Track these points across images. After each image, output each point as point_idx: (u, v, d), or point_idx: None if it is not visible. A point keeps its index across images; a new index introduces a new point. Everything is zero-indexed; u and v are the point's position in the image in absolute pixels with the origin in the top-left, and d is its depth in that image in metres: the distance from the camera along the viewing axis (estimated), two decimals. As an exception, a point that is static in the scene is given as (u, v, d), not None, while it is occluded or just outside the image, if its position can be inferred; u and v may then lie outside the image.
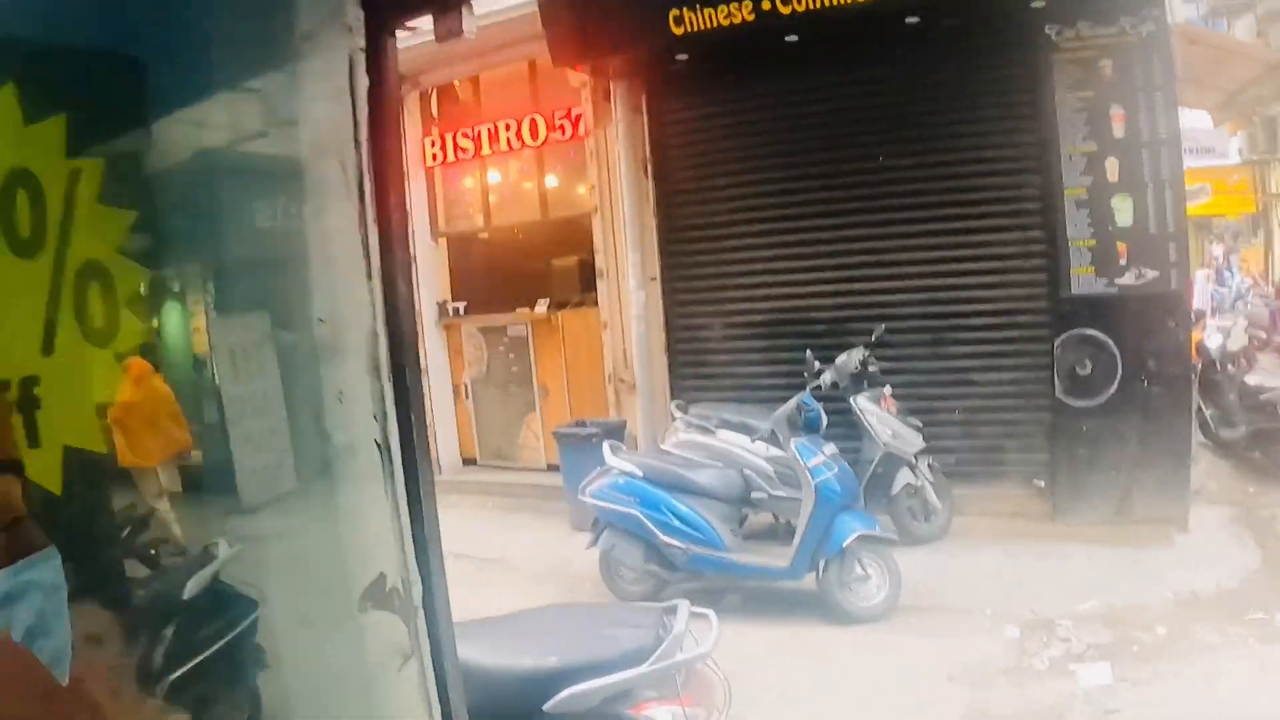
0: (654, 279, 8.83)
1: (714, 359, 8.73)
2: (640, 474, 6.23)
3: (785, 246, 8.22)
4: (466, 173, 10.76)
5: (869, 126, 7.79)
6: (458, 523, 9.34)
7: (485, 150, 9.99)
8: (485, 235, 11.59)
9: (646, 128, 8.74)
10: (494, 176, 10.58)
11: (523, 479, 9.89)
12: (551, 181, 10.15)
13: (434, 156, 10.50)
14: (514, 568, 7.71)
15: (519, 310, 10.21)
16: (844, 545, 5.57)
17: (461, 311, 10.79)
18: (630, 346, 8.95)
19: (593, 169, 9.10)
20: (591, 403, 9.50)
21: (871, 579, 5.71)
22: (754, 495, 6.52)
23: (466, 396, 10.78)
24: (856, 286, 7.95)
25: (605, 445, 6.56)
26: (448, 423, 10.90)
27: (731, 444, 6.78)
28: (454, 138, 10.22)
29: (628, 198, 8.71)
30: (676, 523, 5.90)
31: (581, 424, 8.71)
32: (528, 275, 10.87)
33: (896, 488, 6.81)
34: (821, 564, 5.70)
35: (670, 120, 8.76)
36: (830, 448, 5.92)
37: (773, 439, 6.09)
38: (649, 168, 8.77)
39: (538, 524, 8.70)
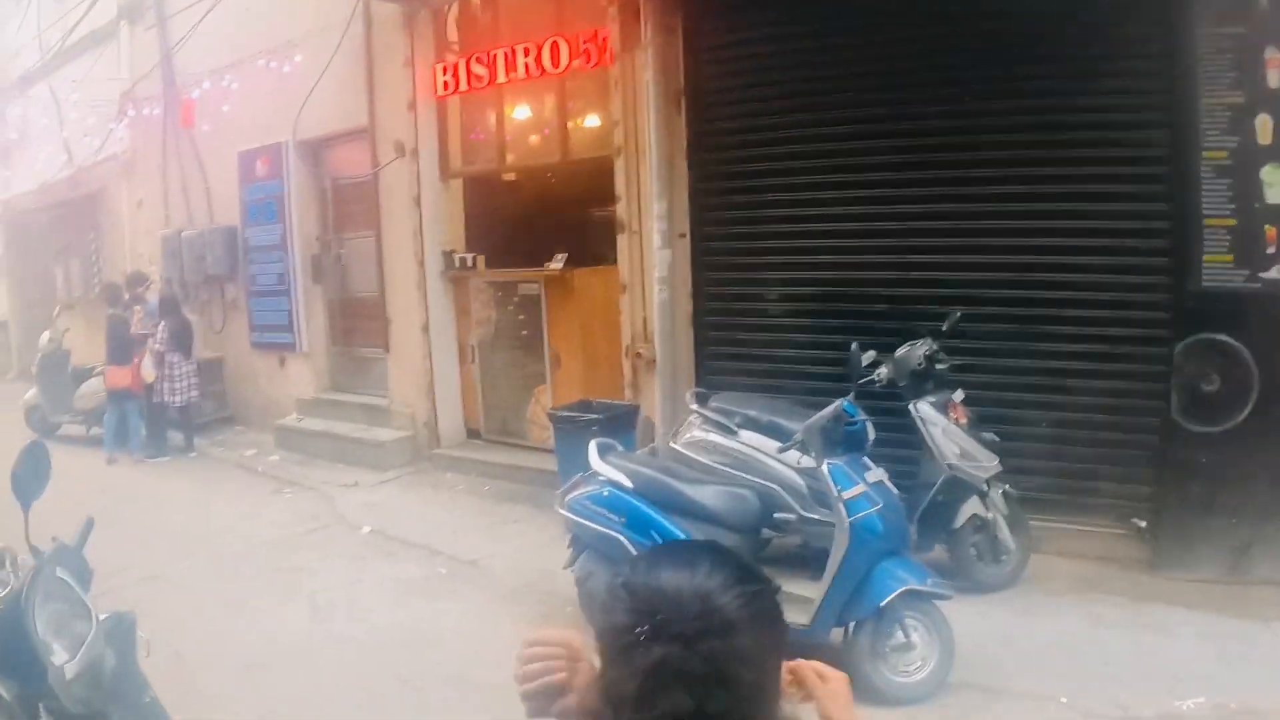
0: (683, 236, 7.62)
1: (748, 337, 7.49)
2: (630, 486, 5.08)
3: (843, 205, 6.92)
4: (481, 105, 9.61)
5: (954, 60, 6.42)
6: (444, 509, 8.34)
7: (501, 78, 8.80)
8: (511, 177, 10.50)
9: (682, 53, 7.49)
10: (510, 110, 9.42)
11: (528, 461, 8.80)
12: (574, 117, 8.95)
13: (445, 85, 9.35)
14: (490, 575, 6.70)
15: (534, 266, 9.09)
16: (882, 604, 4.37)
17: (470, 263, 9.70)
18: (651, 315, 7.78)
19: (617, 102, 7.87)
20: (608, 378, 8.38)
21: (916, 647, 4.50)
22: (778, 516, 5.35)
23: (472, 360, 9.74)
24: (927, 260, 6.61)
25: (592, 445, 5.43)
26: (451, 388, 9.90)
27: (755, 450, 5.62)
28: (468, 64, 9.05)
29: (656, 137, 7.48)
30: (667, 556, 4.76)
31: (586, 405, 7.59)
32: (546, 225, 9.75)
33: (960, 520, 5.52)
34: (851, 625, 4.52)
35: (711, 45, 7.50)
36: (877, 472, 4.68)
37: (805, 449, 4.90)
38: (683, 102, 7.52)
39: (532, 520, 7.65)
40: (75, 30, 15.18)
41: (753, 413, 5.84)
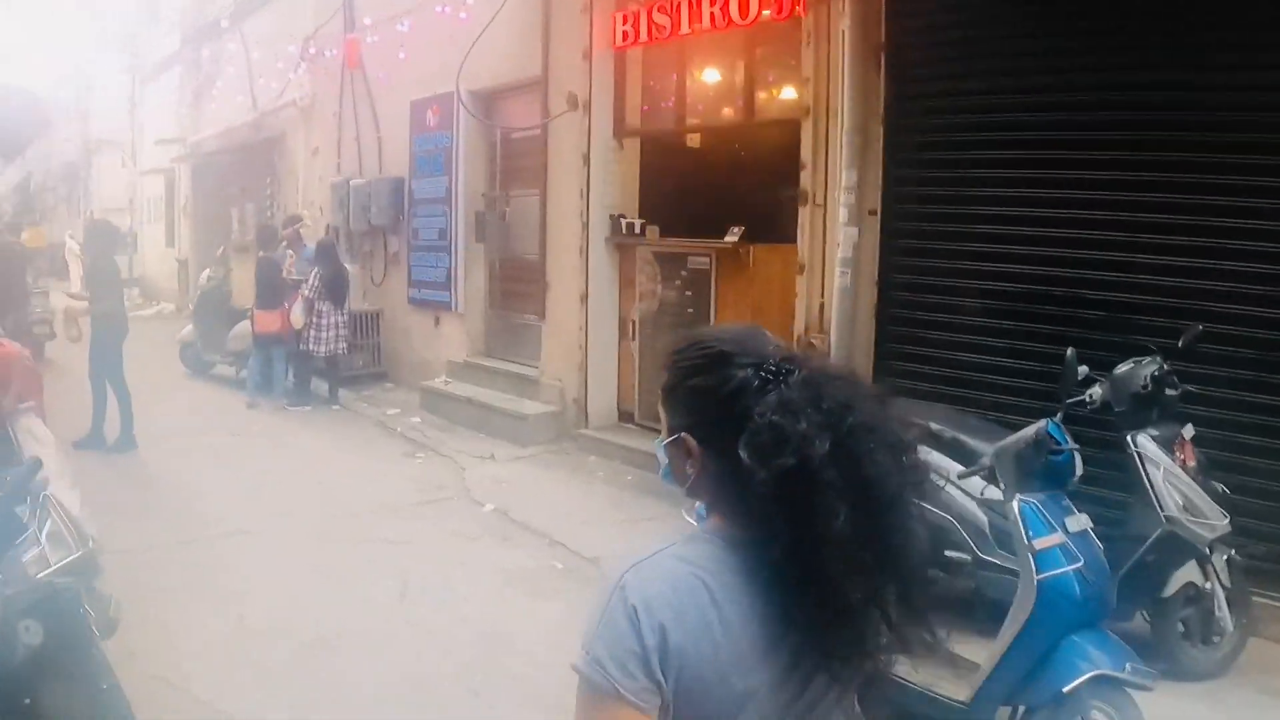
0: (873, 213, 6.88)
1: (937, 336, 6.67)
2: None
3: (1064, 189, 6.02)
4: (662, 59, 9.08)
5: (1215, 27, 5.46)
6: (577, 496, 7.90)
7: (684, 29, 8.22)
8: (690, 139, 9.96)
9: (884, 2, 6.73)
10: (692, 65, 8.84)
11: (678, 452, 8.27)
12: (760, 75, 8.29)
13: (624, 35, 8.86)
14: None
15: (707, 238, 8.51)
16: (1066, 690, 3.57)
17: (639, 230, 9.22)
18: (829, 301, 7.10)
19: (808, 57, 7.18)
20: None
21: (1101, 750, 3.69)
22: (949, 555, 4.63)
23: (632, 336, 9.27)
24: (1160, 261, 5.62)
25: None
26: (607, 365, 9.47)
27: (932, 472, 4.89)
28: (649, 12, 8.52)
29: (849, 98, 6.77)
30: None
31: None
32: (722, 194, 9.14)
33: (1171, 588, 4.58)
34: (1021, 710, 3.75)
35: (920, -8, 6.73)
36: (1080, 518, 3.85)
37: (992, 477, 4.15)
38: (882, 59, 6.76)
39: (670, 521, 7.06)
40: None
41: (934, 425, 5.10)
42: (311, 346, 11.30)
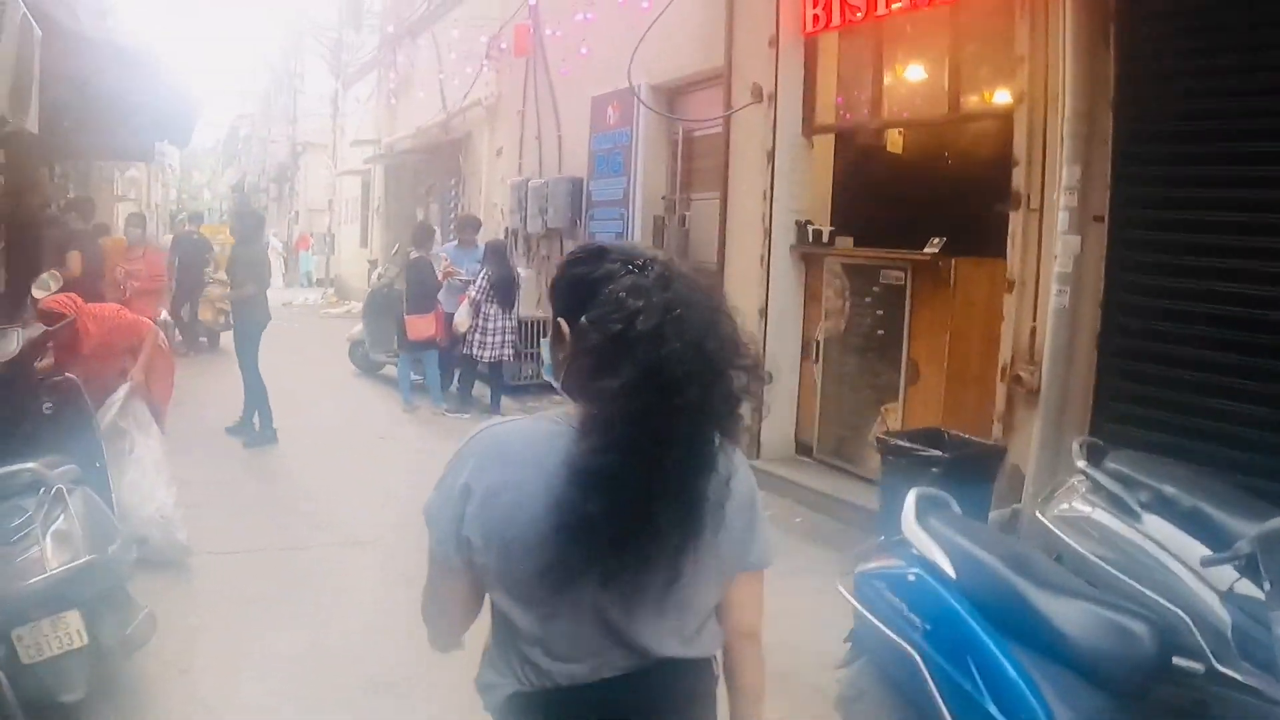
0: (1098, 219, 5.85)
1: (1176, 375, 5.50)
2: (952, 575, 3.57)
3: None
4: (856, 44, 8.25)
5: None
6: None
7: (880, 9, 7.38)
8: (886, 135, 9.10)
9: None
10: (890, 50, 7.97)
11: (859, 495, 7.37)
12: (967, 60, 7.34)
13: (815, 19, 8.08)
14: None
15: (902, 249, 7.63)
16: None
17: (826, 238, 8.42)
18: (1042, 326, 6.12)
19: (1023, 34, 6.22)
20: (974, 404, 6.81)
21: None
22: (1177, 663, 3.66)
23: (815, 357, 8.46)
24: None
25: (911, 495, 3.97)
26: (784, 389, 8.69)
27: (1163, 550, 3.89)
28: (843, -9, 7.73)
29: (1072, 80, 5.76)
30: (990, 707, 3.24)
31: (935, 436, 6.08)
32: (921, 198, 8.23)
33: None
34: None
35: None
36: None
37: (1250, 569, 3.21)
38: (1112, 33, 5.73)
39: (839, 575, 6.26)
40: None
41: (1168, 489, 4.09)
42: (475, 351, 10.99)
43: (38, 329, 5.10)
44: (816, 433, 8.41)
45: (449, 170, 17.11)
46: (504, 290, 10.98)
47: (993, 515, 5.79)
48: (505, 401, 11.35)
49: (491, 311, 10.92)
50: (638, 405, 1.63)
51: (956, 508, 4.08)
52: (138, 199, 30.73)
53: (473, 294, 10.94)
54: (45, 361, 5.44)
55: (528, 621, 1.80)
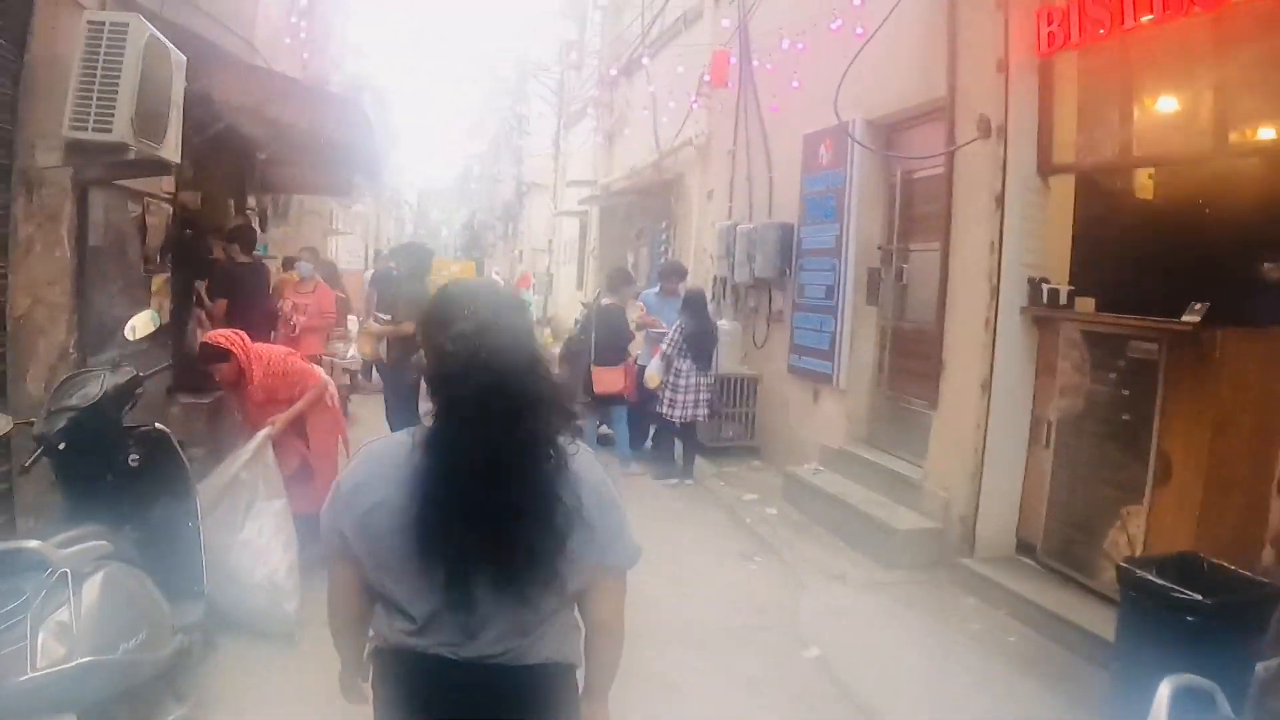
0: None
1: None
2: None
3: None
4: (1100, 66, 7.11)
5: None
6: (936, 657, 6.00)
7: (1128, 21, 6.26)
8: (1149, 179, 7.91)
9: None
10: (1139, 73, 6.80)
11: (1089, 615, 6.14)
12: (1236, 83, 6.08)
13: (1051, 37, 7.02)
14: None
15: (1155, 315, 6.41)
16: None
17: (1065, 300, 7.29)
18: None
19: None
20: (1241, 519, 5.56)
21: None
22: None
23: (1046, 442, 7.33)
24: None
25: (1165, 687, 2.89)
26: (1008, 476, 7.60)
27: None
28: (1081, 4, 6.64)
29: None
30: None
31: (1190, 564, 4.91)
32: (1178, 255, 6.97)
33: None
34: None
35: None
36: None
37: None
38: None
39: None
40: (668, 13, 15.40)
41: None
42: (666, 409, 10.32)
43: (125, 374, 4.73)
44: (1042, 530, 7.22)
45: (660, 213, 16.65)
46: (699, 344, 10.29)
47: (1259, 669, 4.59)
48: (701, 465, 10.63)
49: (684, 367, 10.24)
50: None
51: (1223, 703, 2.99)
52: (364, 233, 31.97)
53: (665, 348, 10.30)
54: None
55: (394, 594, 2.30)
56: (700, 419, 10.51)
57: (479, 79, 52.61)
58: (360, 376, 13.78)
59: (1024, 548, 7.42)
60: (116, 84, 5.37)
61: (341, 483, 2.33)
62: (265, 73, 9.90)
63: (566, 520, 2.20)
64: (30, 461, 4.23)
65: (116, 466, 4.62)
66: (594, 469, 2.37)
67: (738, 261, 11.89)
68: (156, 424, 4.96)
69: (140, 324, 5.28)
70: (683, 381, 10.24)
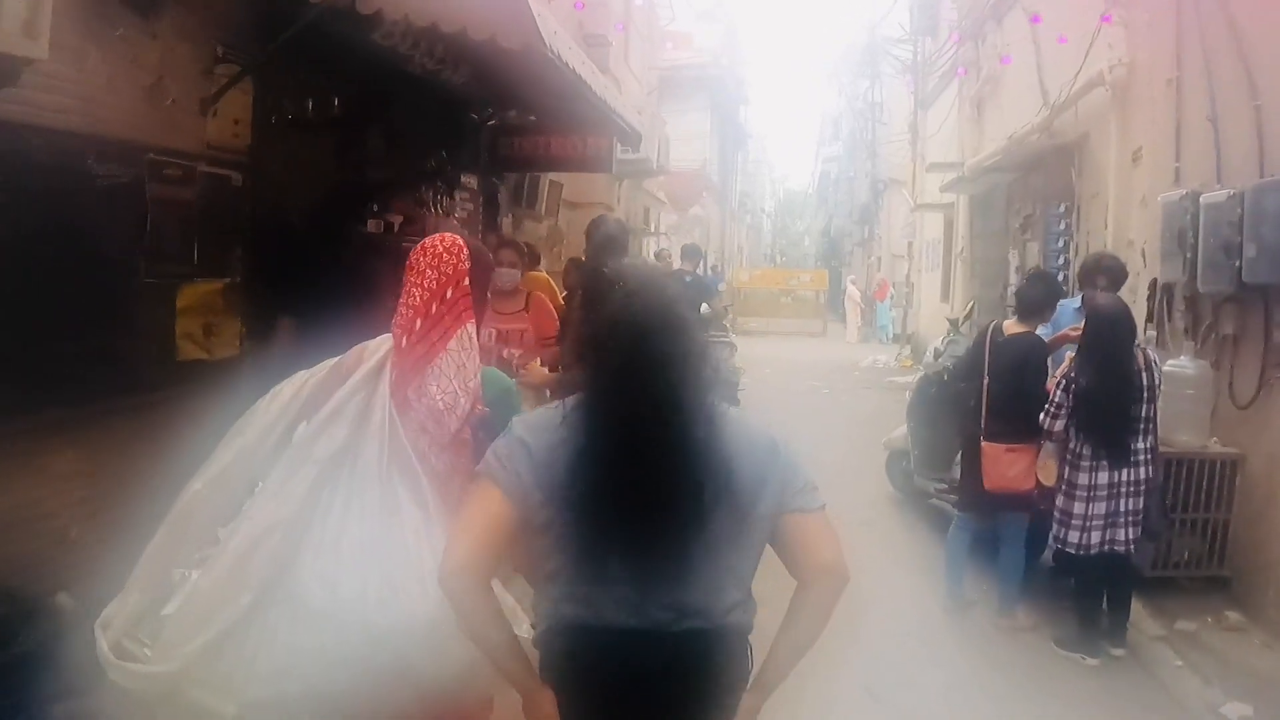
0: None
1: None
2: None
3: None
4: None
5: None
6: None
7: None
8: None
9: None
10: None
11: None
12: None
13: None
14: None
15: None
16: None
17: None
18: None
19: None
20: None
21: None
22: None
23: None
24: None
25: None
26: None
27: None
28: None
29: None
30: None
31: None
32: None
33: None
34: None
35: None
36: None
37: None
38: None
39: None
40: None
41: None
42: (1055, 529, 5.70)
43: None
44: None
45: (1054, 192, 11.76)
46: (1106, 415, 5.49)
47: None
48: (1135, 612, 5.85)
49: (1085, 452, 5.51)
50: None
51: None
52: (704, 237, 29.40)
53: (1046, 414, 5.64)
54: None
55: (567, 565, 2.17)
56: (1125, 550, 5.64)
57: (831, 65, 49.26)
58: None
59: None
60: None
61: (523, 436, 2.20)
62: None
63: (723, 477, 2.09)
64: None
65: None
66: (749, 422, 2.25)
67: (1206, 255, 6.81)
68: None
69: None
70: (1083, 478, 5.50)
